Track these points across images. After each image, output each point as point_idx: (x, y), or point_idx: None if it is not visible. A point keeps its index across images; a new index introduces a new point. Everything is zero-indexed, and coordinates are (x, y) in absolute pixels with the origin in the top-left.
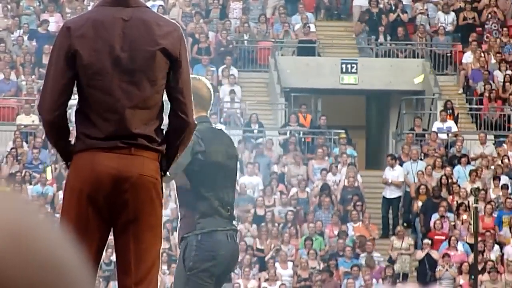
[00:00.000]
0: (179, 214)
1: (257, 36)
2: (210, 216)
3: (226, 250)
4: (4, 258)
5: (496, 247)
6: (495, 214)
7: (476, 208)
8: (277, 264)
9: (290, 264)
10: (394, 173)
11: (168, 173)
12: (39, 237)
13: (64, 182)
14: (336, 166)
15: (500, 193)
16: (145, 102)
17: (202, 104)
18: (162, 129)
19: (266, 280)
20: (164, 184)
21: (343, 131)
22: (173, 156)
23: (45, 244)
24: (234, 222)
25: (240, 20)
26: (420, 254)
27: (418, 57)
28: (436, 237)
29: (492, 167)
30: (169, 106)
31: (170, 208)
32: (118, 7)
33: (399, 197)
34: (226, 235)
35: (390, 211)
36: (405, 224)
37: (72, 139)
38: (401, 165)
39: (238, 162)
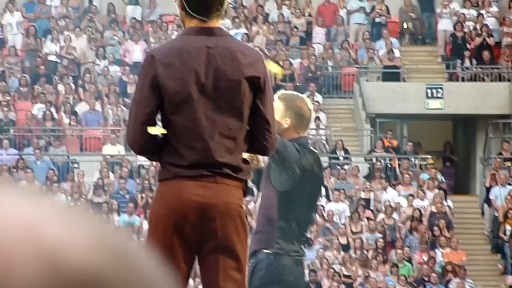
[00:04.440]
0: (256, 222)
1: (341, 62)
2: (289, 238)
3: (294, 277)
4: (108, 273)
5: None
6: None
7: None
8: None
9: None
10: None
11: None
12: (139, 256)
13: (149, 211)
14: (423, 192)
15: None
16: (230, 130)
17: (303, 124)
18: (245, 159)
19: None
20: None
21: (430, 156)
22: None
23: (145, 263)
24: (305, 247)
25: (324, 46)
26: (510, 280)
27: (504, 81)
28: None
29: None
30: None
31: None
32: (203, 36)
33: None
34: (296, 261)
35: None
36: (493, 249)
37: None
38: (489, 189)
39: (322, 187)
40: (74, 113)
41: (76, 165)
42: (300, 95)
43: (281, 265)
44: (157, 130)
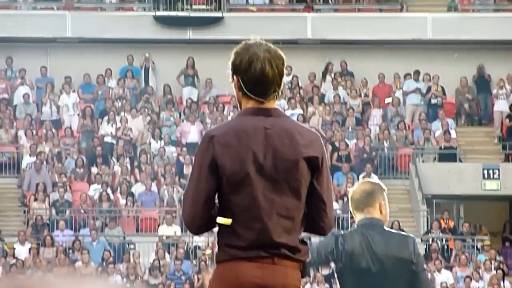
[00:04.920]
0: None
1: (397, 143)
2: None
3: None
4: None
5: None
6: None
7: None
8: None
9: None
10: None
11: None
12: None
13: None
14: (479, 273)
15: None
16: (288, 210)
17: (353, 207)
18: (303, 239)
19: None
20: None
21: (487, 237)
22: None
23: None
24: None
25: (379, 127)
26: None
27: None
28: None
29: None
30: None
31: None
32: (260, 117)
33: None
34: None
35: None
36: None
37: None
38: None
39: (411, 268)
40: (131, 194)
41: (132, 246)
42: (363, 180)
43: None
44: (224, 220)
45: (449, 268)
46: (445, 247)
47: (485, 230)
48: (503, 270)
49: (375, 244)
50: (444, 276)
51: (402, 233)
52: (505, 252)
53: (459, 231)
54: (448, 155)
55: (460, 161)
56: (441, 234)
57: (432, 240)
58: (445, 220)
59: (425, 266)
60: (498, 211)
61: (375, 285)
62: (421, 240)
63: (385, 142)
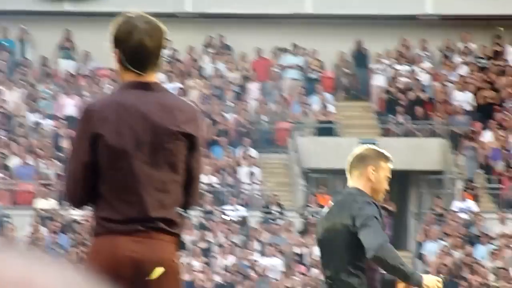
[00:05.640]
0: None
1: (275, 117)
2: None
3: None
4: None
5: None
6: None
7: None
8: None
9: None
10: None
11: None
12: None
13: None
14: None
15: None
16: (164, 184)
17: (347, 168)
18: (180, 212)
19: None
20: None
21: None
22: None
23: None
24: None
25: (258, 101)
26: None
27: (437, 137)
28: None
29: None
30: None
31: None
32: (140, 90)
33: None
34: None
35: None
36: None
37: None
38: (421, 245)
39: (351, 230)
40: (6, 167)
41: (7, 219)
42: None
43: None
44: None
45: None
46: None
47: None
48: None
49: (329, 213)
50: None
51: (358, 198)
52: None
53: None
54: (326, 130)
55: (338, 135)
56: (318, 208)
57: (310, 215)
58: (322, 195)
59: (370, 222)
60: None
61: (323, 254)
62: (299, 215)
63: (263, 116)
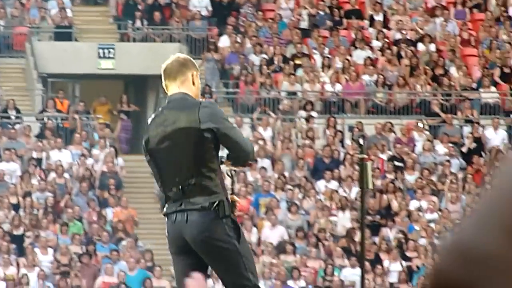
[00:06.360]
0: None
1: (13, 21)
2: (166, 201)
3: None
4: None
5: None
6: (252, 197)
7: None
8: (36, 250)
9: (50, 250)
10: None
11: None
12: None
13: None
14: (91, 151)
15: (258, 176)
16: None
17: (165, 76)
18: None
19: (25, 266)
20: None
21: (101, 116)
22: None
23: None
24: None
25: None
26: None
27: (175, 41)
28: None
29: None
30: None
31: None
32: None
33: None
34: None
35: None
36: None
37: None
38: None
39: (199, 134)
40: None
41: None
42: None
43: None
44: None
45: (65, 146)
46: (61, 125)
47: (103, 108)
48: (115, 148)
49: (166, 121)
50: (60, 155)
51: (194, 102)
52: (124, 126)
53: (74, 109)
54: (64, 34)
55: (76, 40)
56: (56, 113)
57: (48, 119)
58: (60, 99)
59: (231, 124)
60: (114, 90)
61: (164, 163)
62: (36, 119)
63: (1, 21)
